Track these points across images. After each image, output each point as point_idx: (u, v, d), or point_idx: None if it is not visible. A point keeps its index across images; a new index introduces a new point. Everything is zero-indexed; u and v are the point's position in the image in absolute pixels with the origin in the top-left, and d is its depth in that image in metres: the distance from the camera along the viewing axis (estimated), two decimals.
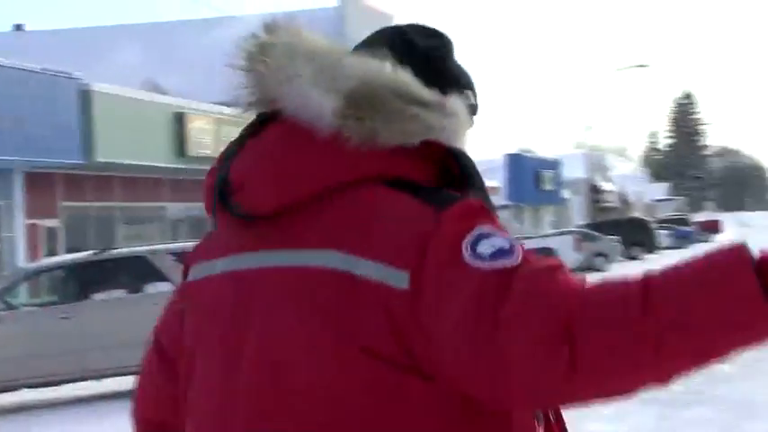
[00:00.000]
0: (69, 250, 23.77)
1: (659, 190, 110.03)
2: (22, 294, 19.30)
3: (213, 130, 30.90)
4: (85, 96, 26.20)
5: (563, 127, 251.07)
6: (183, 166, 30.18)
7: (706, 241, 68.86)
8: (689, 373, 1.62)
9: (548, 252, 19.86)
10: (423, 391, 1.66)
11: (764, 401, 10.89)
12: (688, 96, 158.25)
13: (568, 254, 36.43)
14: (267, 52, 1.80)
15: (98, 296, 15.30)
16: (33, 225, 26.53)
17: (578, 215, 66.89)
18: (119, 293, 15.44)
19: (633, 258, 48.55)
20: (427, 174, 1.77)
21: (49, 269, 17.40)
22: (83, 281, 15.52)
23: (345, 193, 1.73)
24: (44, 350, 14.54)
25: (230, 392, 1.77)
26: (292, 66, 1.77)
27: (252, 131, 1.85)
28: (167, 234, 31.68)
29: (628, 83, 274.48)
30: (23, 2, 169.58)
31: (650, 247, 51.98)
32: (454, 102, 1.82)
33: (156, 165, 29.08)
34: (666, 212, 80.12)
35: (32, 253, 25.72)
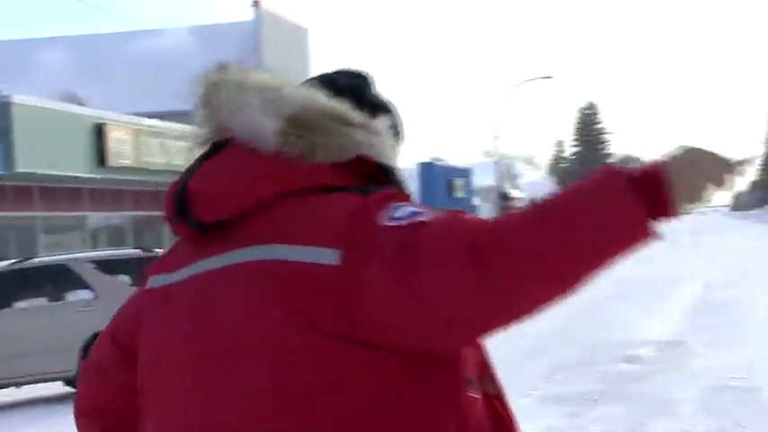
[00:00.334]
0: None
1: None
2: None
3: (132, 140, 30.68)
4: (5, 108, 25.88)
5: (473, 136, 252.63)
6: (103, 176, 29.95)
7: None
8: (587, 275, 1.80)
9: None
10: (368, 360, 1.84)
11: (673, 399, 11.03)
12: (591, 106, 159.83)
13: None
14: (220, 88, 2.06)
15: (20, 304, 15.09)
16: None
17: None
18: (40, 302, 15.24)
19: None
20: (359, 182, 2.00)
21: None
22: (4, 290, 15.29)
23: (290, 199, 1.96)
24: None
25: (197, 389, 1.94)
26: (243, 98, 2.03)
27: (209, 153, 2.08)
28: (87, 243, 31.41)
29: (534, 94, 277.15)
30: None
31: None
32: (379, 123, 2.08)
33: (76, 175, 28.80)
34: None
35: None
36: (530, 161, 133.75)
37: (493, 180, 68.26)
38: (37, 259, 16.78)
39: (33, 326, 14.75)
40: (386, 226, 1.83)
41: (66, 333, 14.77)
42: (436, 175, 62.93)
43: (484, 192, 68.97)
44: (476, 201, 68.10)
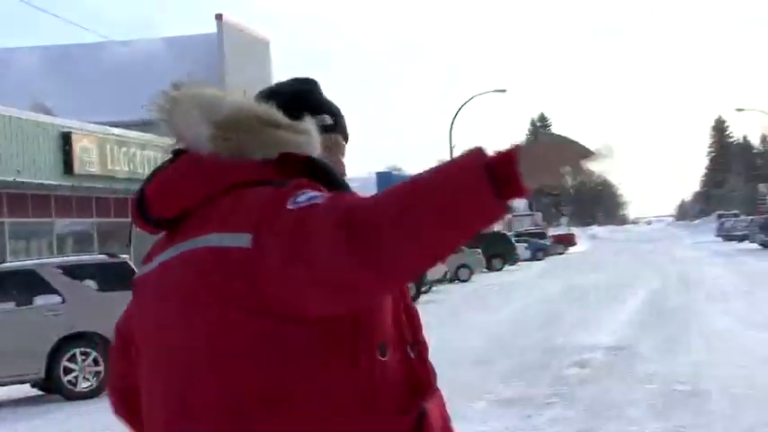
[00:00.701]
0: None
1: (518, 205, 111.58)
2: None
3: (98, 149, 30.54)
4: None
5: (429, 146, 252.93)
6: (70, 184, 29.77)
7: (561, 253, 70.20)
8: (445, 244, 1.94)
9: None
10: (277, 331, 2.05)
11: (623, 402, 11.10)
12: (543, 118, 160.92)
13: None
14: (177, 103, 2.27)
15: None
16: None
17: None
18: (9, 306, 15.11)
19: (495, 269, 49.17)
20: (287, 175, 2.15)
21: None
22: None
23: (225, 195, 2.16)
24: None
25: (154, 369, 2.23)
26: (190, 111, 2.24)
27: (170, 160, 2.31)
28: (54, 248, 31.21)
29: (489, 105, 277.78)
30: None
31: (510, 259, 52.61)
32: (306, 123, 2.27)
33: (43, 182, 28.62)
34: (525, 227, 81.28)
35: None
36: None
37: None
38: (5, 264, 16.64)
39: (2, 329, 14.61)
40: (287, 209, 2.01)
41: (35, 337, 14.65)
42: (393, 184, 63.18)
43: None
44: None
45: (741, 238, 68.49)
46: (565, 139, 1.92)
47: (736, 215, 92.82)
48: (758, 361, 13.66)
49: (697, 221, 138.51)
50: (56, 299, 15.05)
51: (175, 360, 2.16)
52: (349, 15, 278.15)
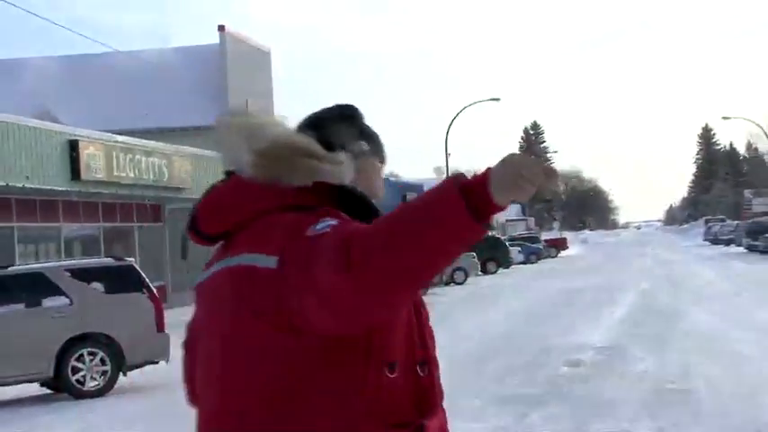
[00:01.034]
0: None
1: (512, 210, 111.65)
2: None
3: (104, 156, 30.53)
4: None
5: (424, 153, 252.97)
6: (77, 189, 29.77)
7: (554, 257, 70.21)
8: (432, 266, 2.11)
9: None
10: (295, 345, 2.23)
11: (614, 400, 11.11)
12: (536, 126, 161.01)
13: None
14: (226, 130, 2.49)
15: None
16: None
17: None
18: (18, 307, 15.10)
19: (489, 272, 49.17)
20: (320, 201, 2.36)
21: None
22: None
23: (263, 217, 2.36)
24: None
25: (203, 363, 2.48)
26: (236, 138, 2.44)
27: (220, 181, 2.51)
28: (62, 252, 31.20)
29: (483, 114, 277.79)
30: None
31: (504, 262, 52.62)
32: (340, 155, 2.43)
33: (51, 188, 28.62)
34: (518, 231, 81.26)
35: None
36: None
37: None
38: (15, 267, 16.63)
39: (11, 330, 14.61)
40: (306, 236, 2.21)
41: (43, 337, 14.66)
42: (392, 190, 63.32)
43: None
44: None
45: (728, 242, 68.55)
46: (527, 159, 2.08)
47: (722, 220, 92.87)
48: (744, 360, 13.68)
49: (685, 226, 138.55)
50: (64, 301, 15.04)
51: (214, 360, 2.40)
52: (346, 26, 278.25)
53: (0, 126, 26.24)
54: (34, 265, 17.29)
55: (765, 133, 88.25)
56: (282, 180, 2.37)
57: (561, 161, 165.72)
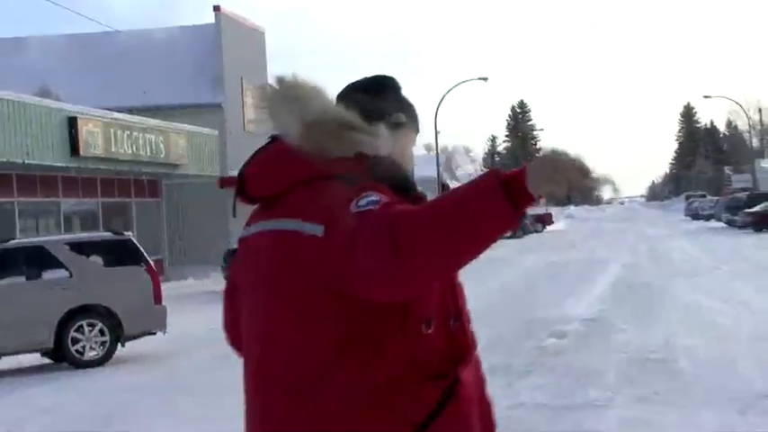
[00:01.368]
0: None
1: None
2: None
3: (102, 132, 30.43)
4: None
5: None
6: (76, 165, 29.69)
7: (540, 231, 70.23)
8: (472, 249, 2.22)
9: None
10: (340, 304, 2.35)
11: (598, 370, 11.13)
12: (522, 104, 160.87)
13: None
14: (276, 98, 2.55)
15: (0, 282, 14.91)
16: None
17: None
18: (19, 280, 15.09)
19: None
20: (360, 171, 2.46)
21: None
22: None
23: (307, 184, 2.47)
24: None
25: (250, 317, 2.60)
26: (285, 108, 2.53)
27: (265, 146, 2.61)
28: (61, 227, 31.16)
29: (471, 93, 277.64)
30: None
31: None
32: (378, 128, 2.55)
33: (50, 164, 28.54)
34: None
35: None
36: (467, 154, 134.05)
37: (434, 172, 68.44)
38: (16, 241, 16.60)
39: (12, 302, 14.61)
40: (352, 212, 2.29)
41: (44, 309, 14.66)
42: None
43: (426, 182, 69.07)
44: (419, 190, 68.29)
45: (708, 218, 68.64)
46: (567, 156, 2.21)
47: (703, 196, 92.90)
48: (722, 331, 13.73)
49: (667, 202, 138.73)
50: (63, 273, 15.04)
51: (257, 314, 2.54)
52: (334, 6, 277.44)
53: (1, 103, 26.14)
54: (35, 239, 17.26)
55: (745, 112, 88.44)
56: (326, 150, 2.48)
57: (547, 139, 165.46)
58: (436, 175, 68.47)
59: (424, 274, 2.24)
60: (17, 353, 14.84)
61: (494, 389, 10.10)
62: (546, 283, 24.40)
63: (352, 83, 2.73)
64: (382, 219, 2.23)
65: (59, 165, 28.97)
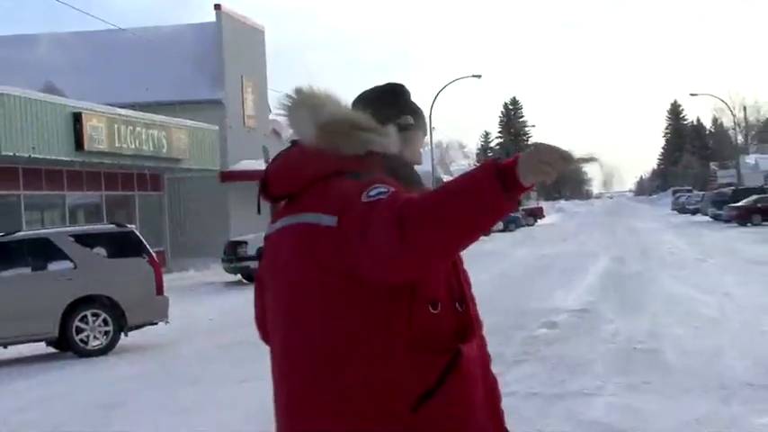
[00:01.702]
0: None
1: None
2: None
3: (107, 127, 30.39)
4: None
5: None
6: (80, 160, 29.65)
7: (531, 225, 70.27)
8: (472, 234, 2.36)
9: None
10: (352, 288, 2.50)
11: (588, 359, 11.13)
12: (515, 101, 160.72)
13: None
14: (294, 105, 2.75)
15: (5, 273, 14.89)
16: None
17: None
18: (25, 271, 15.07)
19: None
20: (372, 167, 2.64)
21: None
22: None
23: (323, 181, 2.64)
24: None
25: (274, 305, 2.76)
26: (302, 113, 2.72)
27: (286, 149, 2.81)
28: (66, 219, 31.12)
29: (465, 89, 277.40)
30: None
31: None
32: (388, 128, 2.73)
33: (56, 158, 28.50)
34: None
35: None
36: (461, 150, 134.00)
37: (429, 166, 68.44)
38: (22, 233, 16.57)
39: (18, 293, 14.60)
40: (361, 202, 2.46)
41: (49, 299, 14.65)
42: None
43: (421, 176, 69.12)
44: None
45: (694, 212, 68.70)
46: (549, 146, 2.34)
47: (689, 191, 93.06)
48: (707, 322, 13.73)
49: (654, 196, 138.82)
50: (68, 265, 15.01)
51: (281, 302, 2.69)
52: (334, 5, 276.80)
53: (8, 99, 26.09)
54: (40, 231, 17.22)
55: (730, 109, 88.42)
56: (340, 149, 2.64)
57: (538, 135, 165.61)
58: (431, 170, 68.45)
59: (428, 255, 2.37)
60: (22, 342, 14.83)
61: None
62: (537, 275, 24.39)
63: (367, 90, 2.94)
64: (390, 206, 2.37)
65: (64, 159, 28.93)
